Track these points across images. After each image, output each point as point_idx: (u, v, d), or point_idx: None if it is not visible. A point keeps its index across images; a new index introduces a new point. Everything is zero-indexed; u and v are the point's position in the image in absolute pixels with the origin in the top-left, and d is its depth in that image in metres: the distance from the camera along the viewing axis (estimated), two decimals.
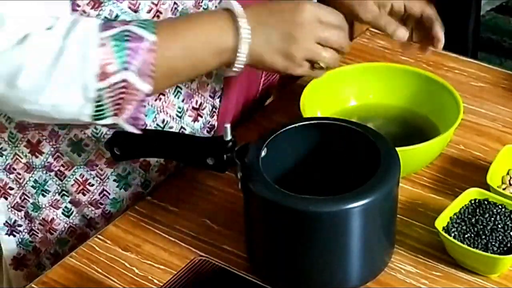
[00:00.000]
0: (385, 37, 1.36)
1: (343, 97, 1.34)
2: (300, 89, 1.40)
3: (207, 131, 1.26)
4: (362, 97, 1.34)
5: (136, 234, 1.16)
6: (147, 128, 1.18)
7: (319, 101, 1.30)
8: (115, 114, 1.04)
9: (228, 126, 1.05)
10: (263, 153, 1.06)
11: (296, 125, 1.11)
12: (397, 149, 1.07)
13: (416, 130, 1.29)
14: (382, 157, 1.05)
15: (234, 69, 1.10)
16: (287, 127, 1.10)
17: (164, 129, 1.20)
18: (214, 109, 1.25)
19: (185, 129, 1.23)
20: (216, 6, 1.17)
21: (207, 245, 1.14)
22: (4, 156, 1.18)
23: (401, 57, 1.46)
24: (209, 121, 1.26)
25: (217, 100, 1.25)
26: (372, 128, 1.11)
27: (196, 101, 1.22)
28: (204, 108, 1.24)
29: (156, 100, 1.17)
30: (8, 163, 1.18)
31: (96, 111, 1.02)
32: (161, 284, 1.00)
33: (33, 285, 1.10)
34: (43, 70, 0.99)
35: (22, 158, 1.18)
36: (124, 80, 1.02)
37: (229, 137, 1.06)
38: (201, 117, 1.24)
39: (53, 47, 1.00)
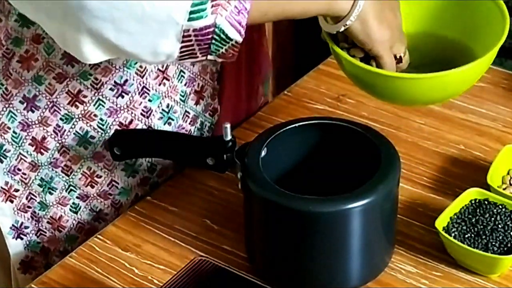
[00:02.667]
0: None
1: None
2: (300, 89, 1.41)
3: (210, 114, 1.26)
4: None
5: (136, 234, 1.16)
6: (152, 119, 1.19)
7: None
8: (214, 12, 0.92)
9: (228, 126, 1.05)
10: (263, 153, 1.06)
11: (296, 125, 1.11)
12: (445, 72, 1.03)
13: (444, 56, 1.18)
14: (382, 157, 1.05)
15: (347, 21, 1.02)
16: (287, 127, 1.10)
17: (169, 114, 1.20)
18: (214, 91, 1.25)
19: (189, 113, 1.23)
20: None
21: (207, 245, 1.14)
22: (8, 158, 1.16)
23: None
24: (211, 104, 1.26)
25: (216, 83, 1.25)
26: (372, 128, 1.10)
27: (198, 84, 1.22)
28: (206, 91, 1.24)
29: (160, 85, 1.17)
30: (13, 165, 1.17)
31: (194, 4, 0.90)
32: (161, 284, 1.00)
33: (33, 285, 1.10)
34: None
35: (27, 158, 1.17)
36: None
37: (229, 137, 1.06)
38: (203, 99, 1.24)
39: None
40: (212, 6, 0.91)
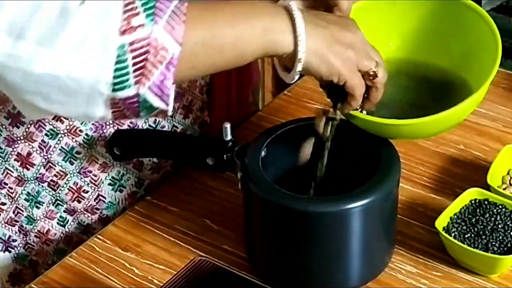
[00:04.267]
0: None
1: None
2: (300, 89, 1.41)
3: (198, 127, 1.26)
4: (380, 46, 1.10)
5: (136, 234, 1.16)
6: (141, 128, 1.18)
7: None
8: (137, 82, 0.88)
9: (228, 126, 1.05)
10: (263, 153, 1.06)
11: (296, 125, 1.10)
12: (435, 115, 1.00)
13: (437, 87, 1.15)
14: (382, 157, 1.05)
15: (298, 59, 0.95)
16: (287, 127, 1.10)
17: (157, 129, 1.20)
18: (204, 105, 1.25)
19: (177, 127, 1.22)
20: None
21: (207, 245, 1.14)
22: None
23: None
24: (200, 117, 1.25)
25: (205, 96, 1.24)
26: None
27: (187, 99, 1.22)
28: (194, 105, 1.23)
29: None
30: None
31: (116, 76, 0.87)
32: (161, 284, 1.00)
33: (33, 285, 1.10)
34: (56, 18, 0.85)
35: (13, 172, 1.16)
36: (149, 37, 0.87)
37: (229, 137, 1.06)
38: (191, 113, 1.24)
39: None
40: (135, 76, 0.88)
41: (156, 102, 0.90)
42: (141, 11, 0.87)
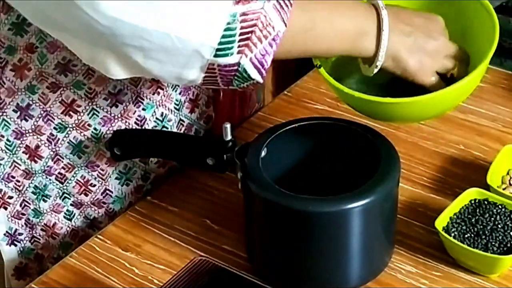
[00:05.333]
0: None
1: None
2: (300, 89, 1.41)
3: (204, 122, 1.26)
4: None
5: (136, 234, 1.16)
6: (146, 128, 1.19)
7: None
8: (240, 52, 0.92)
9: (228, 126, 1.05)
10: (263, 153, 1.06)
11: (296, 125, 1.11)
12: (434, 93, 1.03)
13: None
14: (382, 157, 1.05)
15: (376, 63, 1.02)
16: (287, 127, 1.10)
17: (163, 122, 1.20)
18: (209, 99, 1.25)
19: (183, 121, 1.23)
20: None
21: (207, 245, 1.14)
22: (1, 166, 1.16)
23: None
24: (206, 111, 1.25)
25: (211, 91, 1.25)
26: (372, 128, 1.10)
27: (193, 92, 1.22)
28: (200, 99, 1.24)
29: (154, 94, 1.17)
30: (7, 172, 1.16)
31: (222, 43, 0.91)
32: (161, 284, 1.00)
33: (33, 285, 1.10)
34: None
35: (20, 165, 1.16)
36: (261, 9, 0.92)
37: (229, 137, 1.06)
38: (197, 107, 1.24)
39: None
40: (239, 46, 0.92)
41: (254, 74, 0.95)
42: None
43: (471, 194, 1.13)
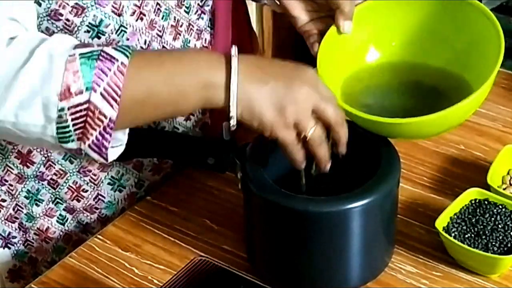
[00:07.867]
0: None
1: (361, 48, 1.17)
2: None
3: (200, 129, 1.26)
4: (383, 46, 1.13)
5: (136, 234, 1.16)
6: (141, 128, 1.18)
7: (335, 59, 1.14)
8: (79, 139, 0.95)
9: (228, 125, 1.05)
10: (263, 153, 1.05)
11: None
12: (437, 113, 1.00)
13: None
14: (382, 157, 1.05)
15: (230, 114, 0.97)
16: None
17: (158, 129, 1.20)
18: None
19: (177, 129, 1.22)
20: (198, 4, 1.16)
21: (207, 245, 1.14)
22: None
23: None
24: (201, 119, 1.25)
25: None
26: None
27: None
28: None
29: None
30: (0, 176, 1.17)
31: (59, 133, 0.94)
32: (161, 284, 1.00)
33: (33, 285, 1.10)
34: (5, 79, 0.92)
35: (13, 169, 1.16)
36: (88, 102, 0.93)
37: (229, 137, 1.05)
38: (193, 115, 1.24)
39: (20, 57, 0.93)
40: (77, 134, 0.95)
41: (96, 156, 0.97)
42: (81, 77, 0.93)
43: (472, 194, 1.13)
